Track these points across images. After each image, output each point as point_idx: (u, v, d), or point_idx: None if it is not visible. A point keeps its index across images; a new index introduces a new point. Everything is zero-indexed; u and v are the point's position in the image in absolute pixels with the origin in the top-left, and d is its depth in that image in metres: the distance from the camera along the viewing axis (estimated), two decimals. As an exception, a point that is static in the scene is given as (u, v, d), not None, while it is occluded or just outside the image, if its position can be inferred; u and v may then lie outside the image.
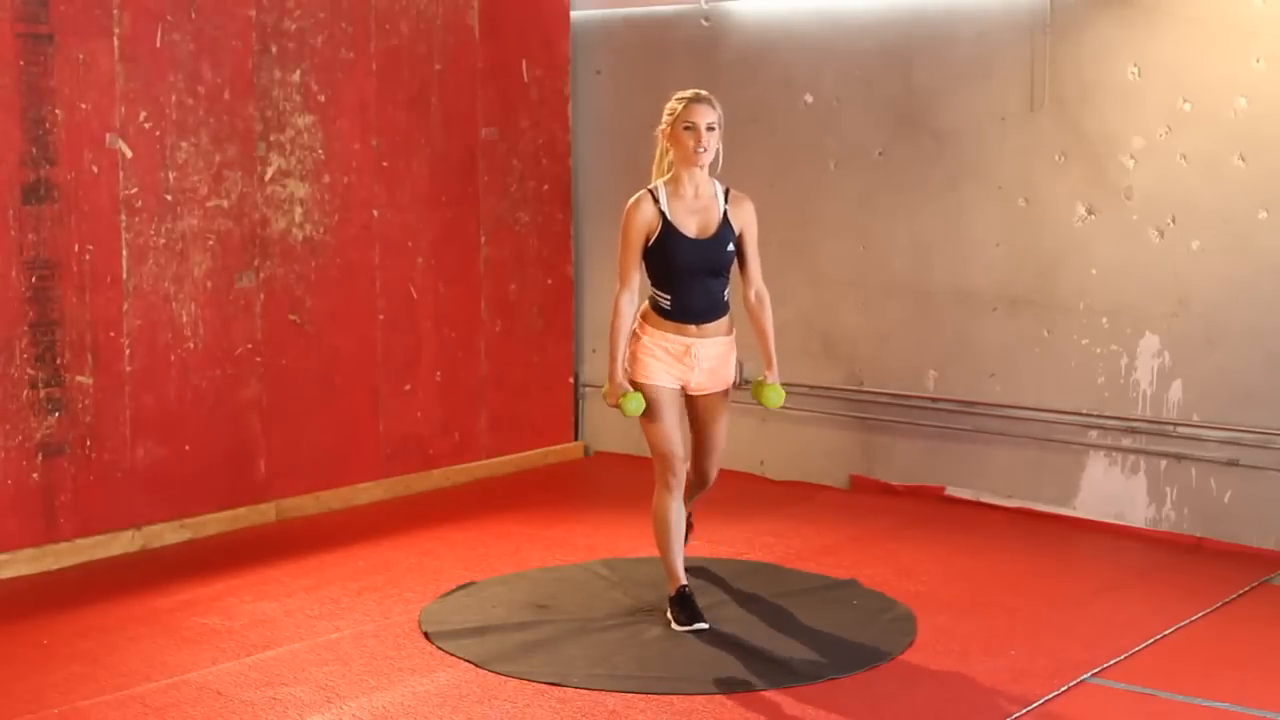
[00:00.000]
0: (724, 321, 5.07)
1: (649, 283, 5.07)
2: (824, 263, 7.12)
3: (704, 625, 4.99)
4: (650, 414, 5.00)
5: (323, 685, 4.55)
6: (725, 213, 5.01)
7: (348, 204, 6.70)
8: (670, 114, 4.96)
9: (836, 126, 7.02)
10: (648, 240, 4.98)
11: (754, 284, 5.12)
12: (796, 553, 6.01)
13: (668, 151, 5.01)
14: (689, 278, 4.96)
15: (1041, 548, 6.10)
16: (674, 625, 5.02)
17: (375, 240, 6.82)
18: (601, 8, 7.67)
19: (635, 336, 5.04)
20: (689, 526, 5.48)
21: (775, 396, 5.11)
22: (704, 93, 4.98)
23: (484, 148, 7.26)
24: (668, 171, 5.02)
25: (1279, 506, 5.97)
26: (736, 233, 5.02)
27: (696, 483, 5.26)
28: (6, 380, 5.66)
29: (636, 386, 4.99)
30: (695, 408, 5.15)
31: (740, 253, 5.08)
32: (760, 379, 5.15)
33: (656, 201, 4.97)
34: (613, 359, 5.01)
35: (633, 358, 5.03)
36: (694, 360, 5.00)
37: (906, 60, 6.79)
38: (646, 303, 5.08)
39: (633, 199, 5.00)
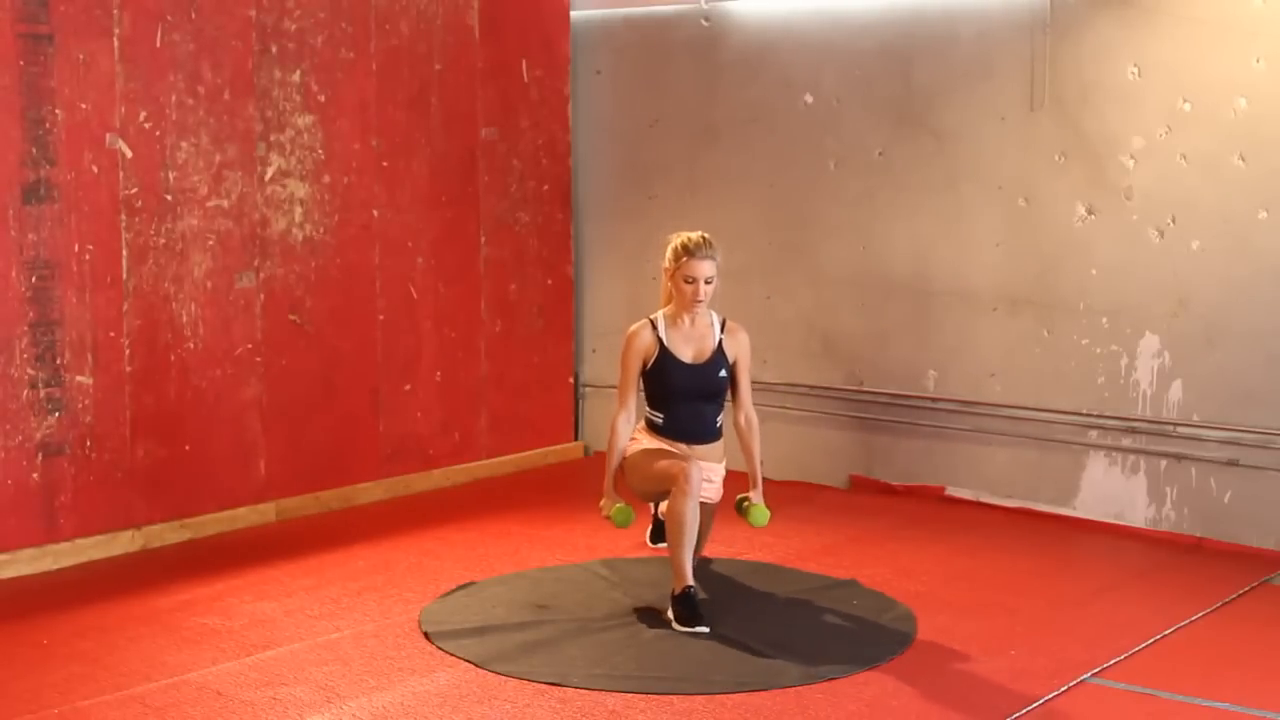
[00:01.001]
0: (717, 447, 5.45)
1: (645, 405, 5.44)
2: (824, 263, 7.12)
3: (705, 629, 4.99)
4: (643, 459, 5.29)
5: (323, 685, 4.55)
6: (720, 342, 5.37)
7: (348, 204, 6.70)
8: (674, 258, 5.28)
9: (836, 126, 7.02)
10: (645, 364, 5.34)
11: (744, 409, 5.48)
12: (796, 553, 6.01)
13: (670, 286, 5.35)
14: (683, 400, 5.35)
15: (1041, 548, 6.10)
16: (675, 624, 5.03)
17: (375, 240, 6.82)
18: (601, 8, 7.67)
19: (635, 440, 5.40)
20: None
21: (760, 516, 5.40)
22: (705, 243, 5.27)
23: (484, 148, 7.26)
24: (670, 301, 5.39)
25: (1279, 506, 5.98)
26: (730, 361, 5.40)
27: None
28: (6, 380, 5.65)
29: (638, 454, 5.31)
30: None
31: (733, 380, 5.44)
32: (745, 498, 5.44)
33: (655, 330, 5.36)
34: (608, 473, 5.39)
35: (631, 450, 5.38)
36: None
37: (906, 60, 6.79)
38: (643, 422, 5.45)
39: (634, 327, 5.40)
